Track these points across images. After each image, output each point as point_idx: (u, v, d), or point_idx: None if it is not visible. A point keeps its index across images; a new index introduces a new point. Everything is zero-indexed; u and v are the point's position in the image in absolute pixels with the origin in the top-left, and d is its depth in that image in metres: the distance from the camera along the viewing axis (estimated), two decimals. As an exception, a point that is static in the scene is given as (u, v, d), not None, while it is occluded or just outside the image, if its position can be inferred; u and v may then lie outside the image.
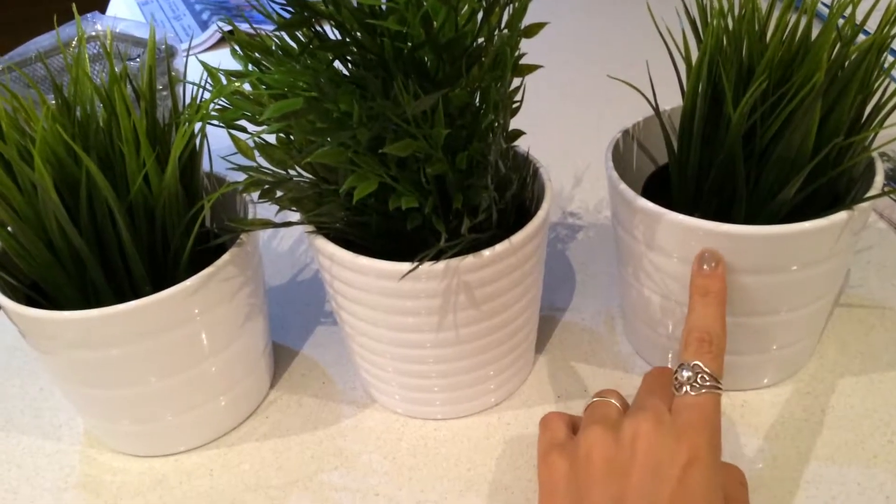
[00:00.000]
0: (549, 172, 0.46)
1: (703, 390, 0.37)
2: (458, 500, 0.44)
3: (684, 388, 0.37)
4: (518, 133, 0.43)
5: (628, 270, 0.48)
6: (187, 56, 0.49)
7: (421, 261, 0.39)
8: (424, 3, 0.35)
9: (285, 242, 0.65)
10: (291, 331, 0.56)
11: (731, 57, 0.41)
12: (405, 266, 0.40)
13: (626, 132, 0.49)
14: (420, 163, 0.38)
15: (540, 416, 0.42)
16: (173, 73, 0.57)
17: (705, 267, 0.42)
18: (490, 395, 0.49)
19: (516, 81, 0.42)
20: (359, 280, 0.42)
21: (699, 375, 0.38)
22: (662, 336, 0.48)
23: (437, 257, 0.40)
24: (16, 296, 0.43)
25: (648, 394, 0.39)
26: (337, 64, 0.38)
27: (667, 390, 0.39)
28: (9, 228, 0.42)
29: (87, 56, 0.42)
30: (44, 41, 0.60)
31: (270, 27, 0.39)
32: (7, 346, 0.56)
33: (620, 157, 0.49)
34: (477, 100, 0.39)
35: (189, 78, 0.77)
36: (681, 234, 0.42)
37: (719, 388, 0.38)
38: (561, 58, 0.92)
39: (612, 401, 0.40)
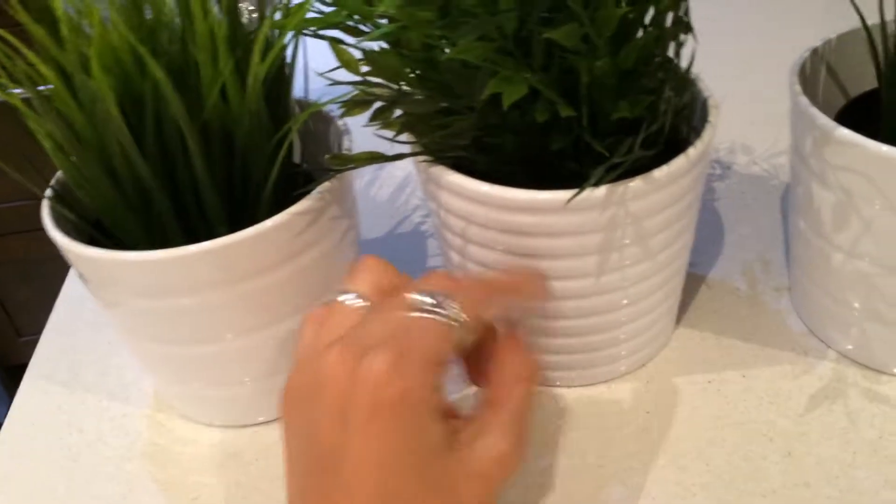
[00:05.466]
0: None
1: (429, 315, 0.29)
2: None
3: (413, 313, 0.29)
4: (687, 25, 0.34)
5: (809, 223, 0.38)
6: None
7: (587, 185, 0.32)
8: None
9: (384, 191, 0.58)
10: (388, 289, 0.49)
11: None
12: (564, 195, 0.32)
13: (814, 51, 0.39)
14: (576, 63, 0.30)
15: (676, 393, 0.34)
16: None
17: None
18: (620, 362, 0.41)
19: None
20: (501, 218, 0.34)
21: (439, 301, 0.29)
22: (847, 308, 0.39)
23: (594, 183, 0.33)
24: (78, 236, 0.38)
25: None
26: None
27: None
28: (72, 158, 0.36)
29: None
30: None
31: None
32: (78, 295, 0.51)
33: (805, 84, 0.39)
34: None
35: None
36: (891, 172, 0.33)
37: (455, 322, 0.29)
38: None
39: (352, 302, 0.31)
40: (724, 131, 0.57)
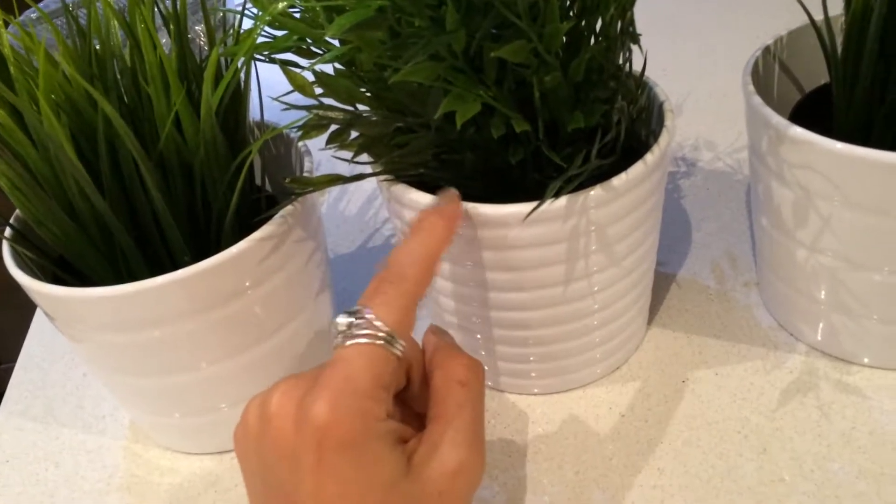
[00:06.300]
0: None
1: (353, 340, 0.28)
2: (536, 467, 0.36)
3: (336, 340, 0.29)
4: (633, 35, 0.34)
5: (771, 220, 0.39)
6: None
7: (545, 199, 0.32)
8: None
9: (353, 205, 0.58)
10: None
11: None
12: (525, 208, 0.32)
13: (766, 49, 0.39)
14: (528, 76, 0.30)
15: (650, 395, 0.34)
16: None
17: (439, 202, 0.33)
18: (595, 365, 0.41)
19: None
20: (465, 233, 0.34)
21: (358, 324, 0.29)
22: (813, 301, 0.39)
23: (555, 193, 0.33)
24: (43, 274, 0.37)
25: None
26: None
27: None
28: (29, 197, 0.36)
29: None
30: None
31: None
32: (49, 327, 0.51)
33: (759, 82, 0.39)
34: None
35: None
36: (847, 168, 0.33)
37: (380, 339, 0.28)
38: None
39: None
40: (689, 128, 0.58)
